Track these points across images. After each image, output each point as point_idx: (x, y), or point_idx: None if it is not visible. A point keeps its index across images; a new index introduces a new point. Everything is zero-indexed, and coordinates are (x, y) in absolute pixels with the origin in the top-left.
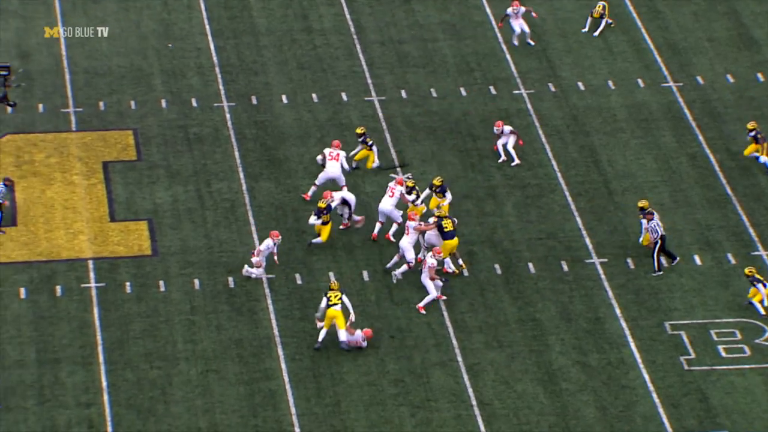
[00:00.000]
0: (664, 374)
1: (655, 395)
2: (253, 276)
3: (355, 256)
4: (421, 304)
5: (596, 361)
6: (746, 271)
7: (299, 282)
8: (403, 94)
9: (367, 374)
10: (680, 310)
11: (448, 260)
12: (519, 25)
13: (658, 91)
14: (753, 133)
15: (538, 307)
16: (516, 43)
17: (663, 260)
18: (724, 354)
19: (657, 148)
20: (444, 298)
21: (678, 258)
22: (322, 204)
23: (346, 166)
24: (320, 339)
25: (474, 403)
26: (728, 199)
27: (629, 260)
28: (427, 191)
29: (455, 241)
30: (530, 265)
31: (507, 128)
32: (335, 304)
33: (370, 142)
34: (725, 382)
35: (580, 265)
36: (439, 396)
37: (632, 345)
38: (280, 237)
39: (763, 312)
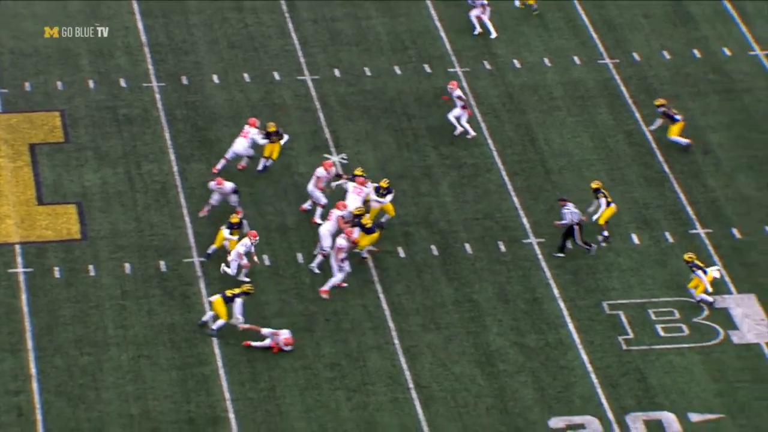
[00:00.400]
0: (602, 354)
1: (593, 376)
2: (231, 273)
3: (288, 238)
4: (325, 288)
5: (534, 342)
6: (685, 257)
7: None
8: (337, 72)
9: (302, 358)
10: (618, 289)
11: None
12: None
13: (594, 68)
14: (662, 110)
15: (476, 288)
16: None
17: (569, 244)
18: (662, 333)
19: (594, 126)
20: (345, 285)
21: (594, 247)
22: (234, 219)
23: (260, 141)
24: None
25: (411, 386)
26: (665, 177)
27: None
28: (371, 191)
29: (375, 235)
30: (467, 245)
31: (458, 92)
32: (225, 296)
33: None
34: (664, 362)
35: (517, 245)
36: (375, 379)
37: (570, 325)
38: (257, 237)
39: (709, 299)
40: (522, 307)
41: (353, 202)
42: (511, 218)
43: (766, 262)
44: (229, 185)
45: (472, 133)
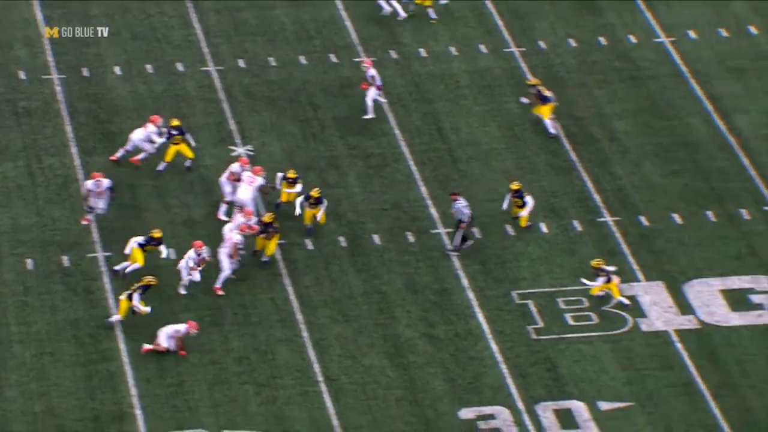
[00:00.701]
0: (512, 344)
1: (503, 366)
2: (188, 278)
3: (195, 231)
4: (217, 285)
5: (444, 333)
6: (593, 263)
7: None
8: (241, 63)
9: (210, 352)
10: (527, 279)
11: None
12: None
13: (500, 56)
14: (534, 90)
15: (384, 279)
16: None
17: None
18: (571, 322)
19: (501, 115)
20: (234, 277)
21: (472, 242)
22: (156, 234)
23: (156, 138)
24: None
25: (320, 378)
26: (573, 165)
27: (475, 229)
28: (301, 200)
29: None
30: (375, 236)
31: (372, 71)
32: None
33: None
34: (573, 351)
35: (425, 236)
36: (284, 373)
37: (480, 316)
38: (204, 247)
39: (625, 301)
40: (431, 297)
41: (245, 192)
42: (419, 208)
43: (673, 249)
44: (106, 182)
45: (372, 114)
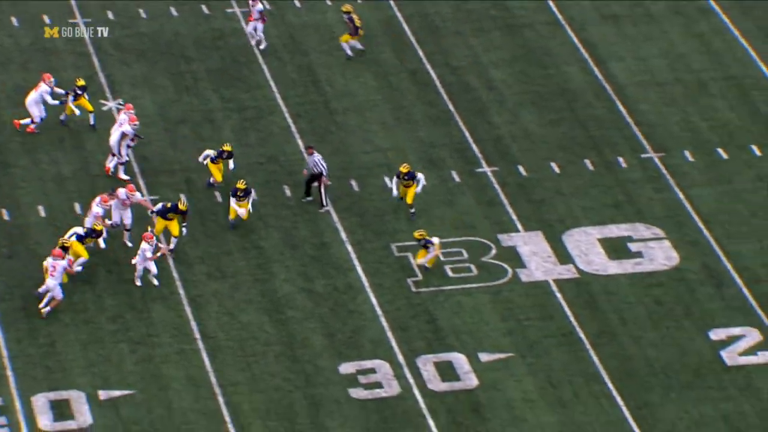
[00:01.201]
0: (392, 297)
1: (383, 319)
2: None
3: (66, 187)
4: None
5: (322, 288)
6: (416, 234)
7: (6, 218)
8: (110, 15)
9: (83, 311)
10: (406, 231)
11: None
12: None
13: (375, 6)
14: (347, 17)
15: (262, 234)
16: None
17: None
18: (451, 274)
19: (376, 65)
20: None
21: (327, 207)
22: (98, 227)
23: (50, 100)
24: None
25: (198, 336)
26: (450, 115)
27: (353, 182)
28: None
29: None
30: (252, 190)
31: (259, 6)
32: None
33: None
34: (453, 303)
35: (302, 190)
36: (160, 330)
37: (359, 269)
38: (155, 239)
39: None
40: (309, 252)
41: (113, 135)
42: (295, 162)
43: (552, 198)
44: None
45: (261, 41)
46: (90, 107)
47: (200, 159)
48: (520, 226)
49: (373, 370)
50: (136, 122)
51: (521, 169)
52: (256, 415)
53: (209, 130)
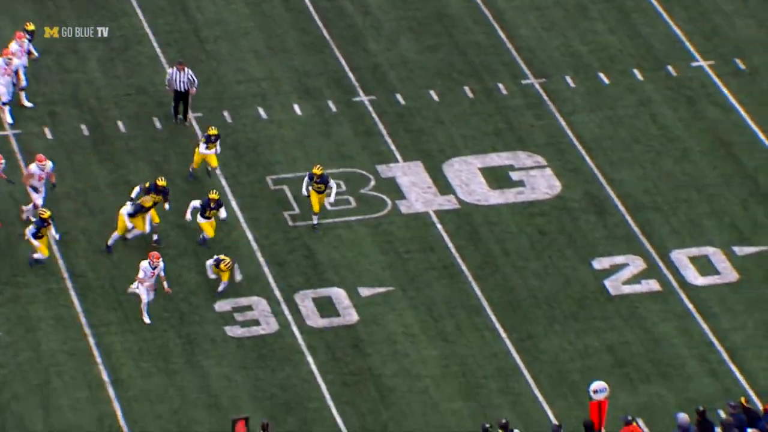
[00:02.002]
0: (268, 232)
1: (259, 254)
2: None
3: None
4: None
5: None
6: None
7: None
8: None
9: None
10: (282, 163)
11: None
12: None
13: None
14: None
15: (131, 168)
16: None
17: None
18: (329, 207)
19: None
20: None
21: (182, 118)
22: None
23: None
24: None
25: (66, 275)
26: (326, 42)
27: (225, 113)
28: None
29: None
30: (120, 123)
31: None
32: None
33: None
34: (332, 236)
35: (172, 122)
36: (26, 271)
37: (234, 203)
38: (161, 259)
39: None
40: (181, 185)
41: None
42: (165, 93)
43: (431, 127)
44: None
45: None
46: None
47: (187, 217)
48: (399, 157)
49: (249, 307)
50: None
51: (399, 97)
52: (128, 355)
53: (73, 61)
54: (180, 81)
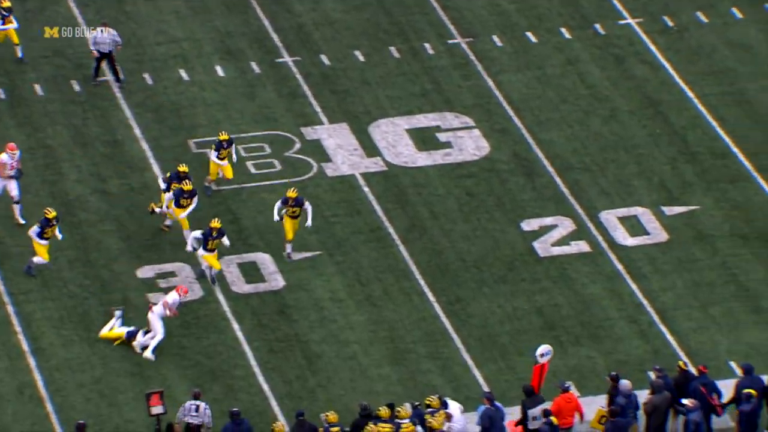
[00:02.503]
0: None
1: None
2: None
3: None
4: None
5: (117, 188)
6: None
7: None
8: None
9: None
10: (205, 126)
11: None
12: None
13: None
14: None
15: (49, 132)
16: None
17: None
18: (253, 170)
19: None
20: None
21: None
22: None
23: None
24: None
25: None
26: (247, 2)
27: (146, 75)
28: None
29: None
30: (37, 86)
31: None
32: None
33: None
34: (257, 201)
35: (92, 84)
36: None
37: (156, 167)
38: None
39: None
40: (102, 150)
41: None
42: (84, 54)
43: (357, 89)
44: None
45: None
46: (15, 38)
47: (188, 248)
48: (324, 119)
49: (173, 274)
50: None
51: (324, 58)
52: (48, 323)
53: None
54: (105, 42)
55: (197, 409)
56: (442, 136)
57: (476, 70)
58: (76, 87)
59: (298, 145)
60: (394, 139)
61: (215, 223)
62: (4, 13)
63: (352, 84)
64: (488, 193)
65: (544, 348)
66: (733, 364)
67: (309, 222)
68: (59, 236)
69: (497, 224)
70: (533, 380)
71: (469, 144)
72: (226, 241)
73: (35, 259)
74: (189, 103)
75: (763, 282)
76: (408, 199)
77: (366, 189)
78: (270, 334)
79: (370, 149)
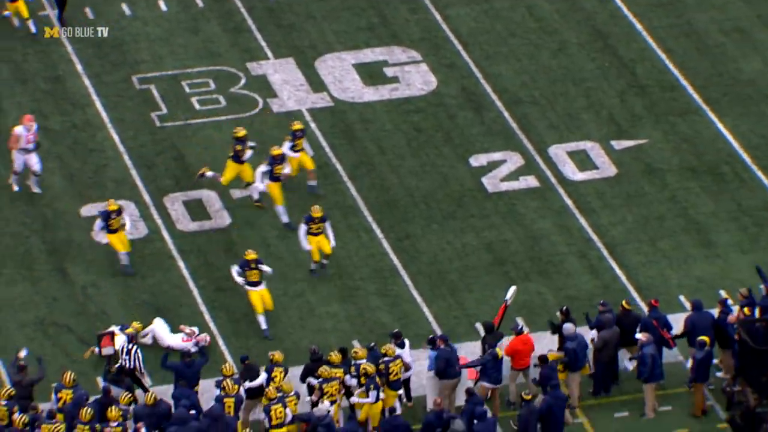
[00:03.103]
0: (135, 133)
1: (127, 157)
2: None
3: None
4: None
5: (59, 125)
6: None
7: None
8: None
9: None
10: (148, 61)
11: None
12: None
13: None
14: None
15: None
16: None
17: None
18: (198, 107)
19: None
20: None
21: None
22: None
23: None
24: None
25: None
26: None
27: (87, 9)
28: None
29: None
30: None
31: None
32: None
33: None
34: (201, 137)
35: (32, 18)
36: None
37: (98, 103)
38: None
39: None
40: (42, 87)
41: None
42: None
43: (303, 22)
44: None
45: None
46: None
47: (239, 281)
48: (270, 53)
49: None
50: None
51: None
52: None
53: None
54: None
55: (128, 352)
56: (390, 71)
57: (424, 3)
58: (15, 21)
59: (243, 81)
60: (341, 74)
61: (250, 255)
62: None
63: (297, 18)
64: (436, 128)
65: (512, 289)
66: (682, 298)
67: (332, 241)
68: (127, 224)
69: (446, 160)
70: (496, 318)
71: (417, 79)
72: (265, 268)
73: (121, 257)
74: (132, 38)
75: (712, 215)
76: (355, 135)
77: (313, 125)
78: (216, 272)
79: (317, 84)
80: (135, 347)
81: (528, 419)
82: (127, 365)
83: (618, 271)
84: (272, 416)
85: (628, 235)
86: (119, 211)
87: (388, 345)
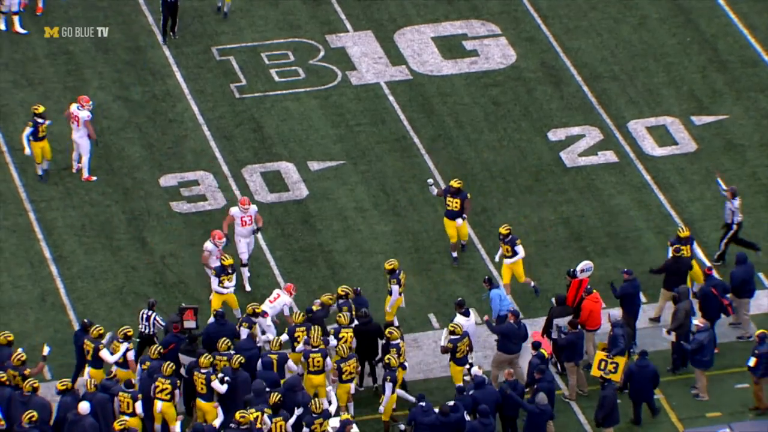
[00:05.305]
0: (214, 104)
1: (206, 128)
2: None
3: None
4: None
5: (139, 95)
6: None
7: None
8: None
9: None
10: (228, 33)
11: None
12: None
13: None
14: None
15: (71, 39)
16: None
17: None
18: (277, 78)
19: None
20: None
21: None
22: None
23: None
24: None
25: (5, 148)
26: None
27: None
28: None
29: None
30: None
31: None
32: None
33: None
34: (280, 109)
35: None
36: None
37: (178, 74)
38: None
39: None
40: (124, 57)
41: None
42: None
43: None
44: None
45: None
46: None
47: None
48: (349, 26)
49: (196, 182)
50: None
51: None
52: (71, 231)
53: None
54: None
55: (147, 318)
56: (469, 44)
57: None
58: None
59: (322, 53)
60: (420, 47)
61: (325, 299)
62: None
63: None
64: (515, 102)
65: (585, 264)
66: (762, 275)
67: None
68: (246, 284)
69: (524, 134)
70: (569, 294)
71: (496, 52)
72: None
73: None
74: (211, 9)
75: None
76: (433, 108)
77: (391, 98)
78: (294, 244)
79: (396, 57)
80: (154, 314)
81: (611, 400)
82: (147, 331)
83: (695, 247)
84: (310, 363)
85: (706, 211)
86: (233, 268)
87: (342, 314)
